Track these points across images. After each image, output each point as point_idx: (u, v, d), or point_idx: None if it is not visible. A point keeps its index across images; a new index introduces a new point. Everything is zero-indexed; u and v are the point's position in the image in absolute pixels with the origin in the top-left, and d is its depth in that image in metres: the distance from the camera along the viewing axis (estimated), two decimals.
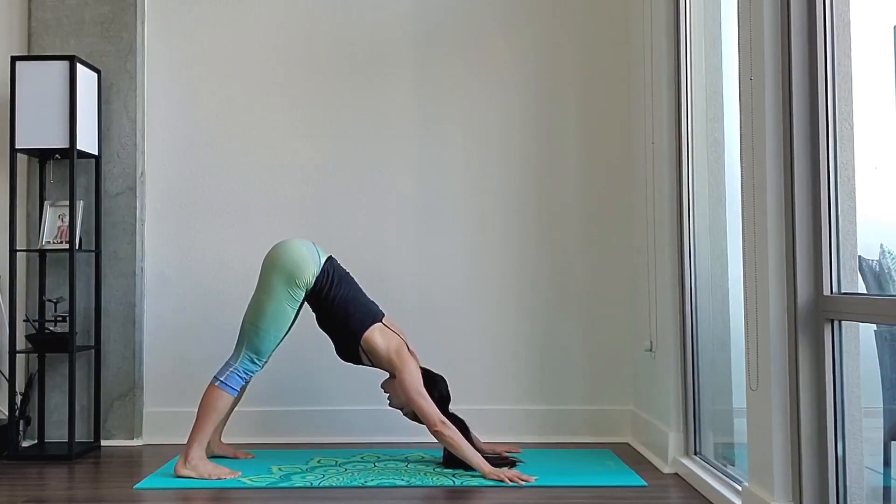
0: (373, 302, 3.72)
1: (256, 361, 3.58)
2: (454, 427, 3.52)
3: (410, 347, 3.67)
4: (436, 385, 3.66)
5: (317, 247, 3.66)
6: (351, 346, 3.65)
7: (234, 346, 3.63)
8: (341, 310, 3.61)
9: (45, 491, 3.47)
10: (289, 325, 3.61)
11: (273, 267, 3.58)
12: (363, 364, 3.71)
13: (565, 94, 4.41)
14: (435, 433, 3.50)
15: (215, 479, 3.45)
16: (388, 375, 3.70)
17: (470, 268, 4.36)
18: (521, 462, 3.62)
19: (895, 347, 2.50)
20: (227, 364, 3.59)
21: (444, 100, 4.39)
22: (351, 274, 3.72)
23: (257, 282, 3.63)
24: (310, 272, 3.56)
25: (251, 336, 3.57)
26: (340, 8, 4.42)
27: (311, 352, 4.13)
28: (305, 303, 3.66)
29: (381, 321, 3.65)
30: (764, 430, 2.65)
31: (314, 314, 3.70)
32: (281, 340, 3.64)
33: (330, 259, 3.66)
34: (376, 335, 3.61)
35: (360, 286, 3.72)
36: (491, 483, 3.40)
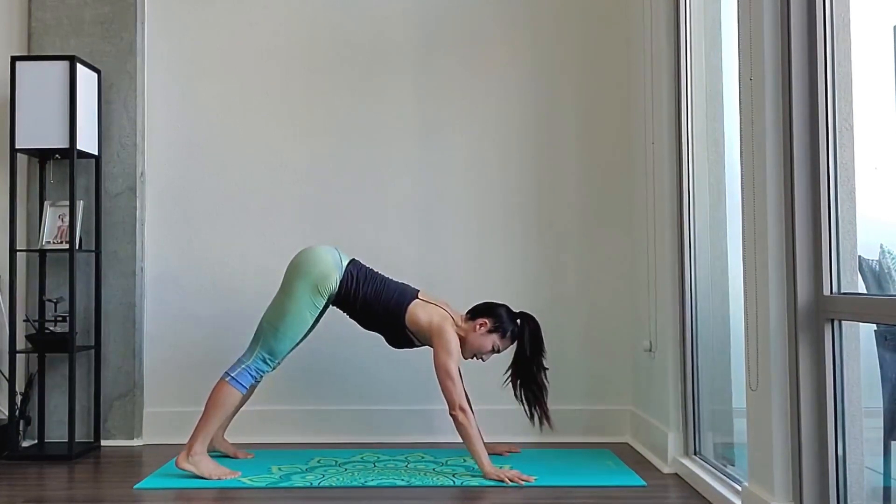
0: (404, 284, 3.72)
1: (269, 362, 3.59)
2: (472, 418, 3.51)
3: (452, 314, 3.66)
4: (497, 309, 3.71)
5: (340, 253, 3.67)
6: (399, 332, 3.67)
7: (249, 345, 3.63)
8: (375, 302, 3.62)
9: (45, 491, 3.47)
10: (306, 330, 3.62)
11: (298, 272, 3.59)
12: (417, 346, 3.72)
13: (565, 95, 4.41)
14: (452, 416, 3.49)
15: (215, 479, 3.45)
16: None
17: (470, 268, 4.36)
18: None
19: (895, 347, 2.51)
20: (240, 361, 3.59)
21: (445, 100, 4.39)
22: (375, 269, 3.73)
23: (281, 284, 3.64)
24: (333, 280, 3.58)
25: (268, 336, 3.58)
26: (340, 8, 4.42)
27: (311, 352, 4.13)
28: (333, 309, 3.68)
29: (417, 298, 3.66)
30: (764, 430, 2.65)
31: (353, 321, 3.72)
32: (296, 345, 3.65)
33: (353, 261, 3.68)
34: (418, 312, 3.61)
35: (389, 276, 3.73)
36: (491, 483, 3.40)
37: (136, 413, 4.26)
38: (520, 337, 3.68)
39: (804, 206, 2.54)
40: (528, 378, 3.68)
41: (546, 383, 3.71)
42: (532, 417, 3.71)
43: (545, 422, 3.70)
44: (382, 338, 3.76)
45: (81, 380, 4.17)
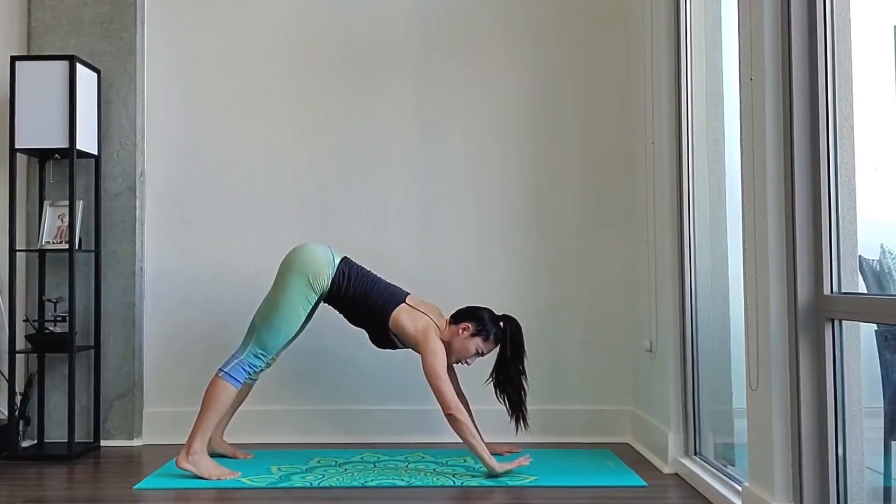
0: (394, 286, 3.73)
1: (261, 357, 3.60)
2: (468, 416, 3.53)
3: (438, 323, 3.67)
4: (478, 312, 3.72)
5: (332, 250, 3.68)
6: (382, 334, 3.69)
7: (242, 340, 3.66)
8: (363, 301, 3.64)
9: (44, 491, 3.46)
10: (298, 326, 3.63)
11: (290, 268, 3.62)
12: (399, 348, 3.74)
13: (565, 95, 4.40)
14: (448, 416, 3.50)
15: (215, 479, 3.45)
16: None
17: (470, 268, 4.36)
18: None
19: (895, 347, 2.50)
20: (233, 357, 3.61)
21: (445, 100, 4.39)
22: (366, 268, 3.74)
23: (273, 282, 3.66)
24: (325, 275, 3.60)
25: (260, 331, 3.60)
26: (340, 8, 4.42)
27: (310, 352, 4.13)
28: (322, 305, 3.70)
29: (404, 302, 3.67)
30: (764, 430, 2.65)
31: (341, 315, 3.74)
32: (289, 342, 3.67)
33: (345, 259, 3.69)
34: (402, 317, 3.63)
35: (380, 276, 3.74)
36: (491, 483, 3.40)
37: (136, 413, 4.26)
38: (502, 339, 3.69)
39: (804, 206, 2.54)
40: (507, 380, 3.70)
41: (524, 386, 3.72)
42: (511, 418, 3.72)
43: (521, 424, 3.73)
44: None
45: (81, 380, 4.17)
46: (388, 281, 3.75)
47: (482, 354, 3.71)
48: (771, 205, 2.62)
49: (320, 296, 3.64)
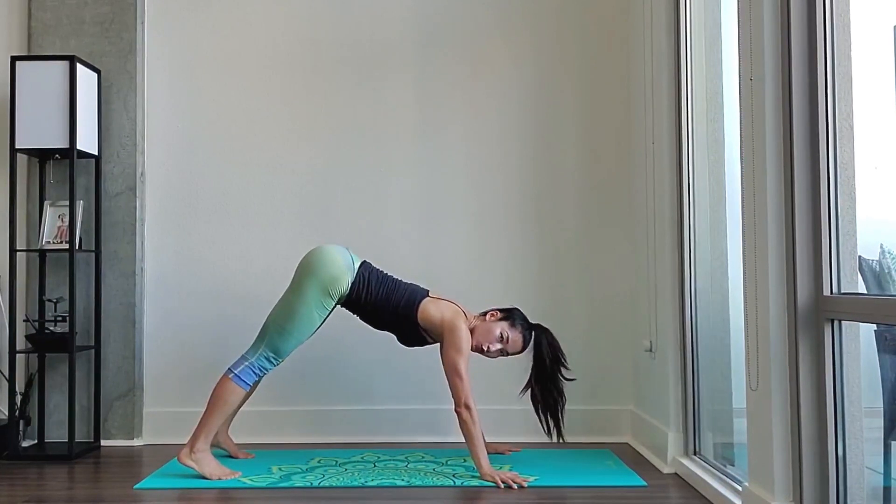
0: (414, 284, 3.71)
1: (273, 360, 3.58)
2: (477, 417, 3.48)
3: (464, 310, 3.66)
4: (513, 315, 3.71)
5: (351, 253, 3.65)
6: (411, 330, 3.65)
7: (254, 341, 3.61)
8: (386, 302, 3.60)
9: (44, 491, 3.46)
10: (312, 331, 3.60)
11: (309, 273, 3.56)
12: (430, 343, 3.70)
13: (565, 95, 4.41)
14: (457, 412, 3.48)
15: (216, 479, 3.45)
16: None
17: (470, 268, 4.36)
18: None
19: (895, 347, 2.51)
20: (244, 358, 3.57)
21: (445, 100, 4.40)
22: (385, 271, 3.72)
23: (290, 283, 3.61)
24: (345, 282, 3.56)
25: (274, 335, 3.56)
26: (340, 8, 4.42)
27: (311, 352, 4.12)
28: (347, 310, 3.68)
29: (428, 296, 3.65)
30: (764, 430, 2.65)
31: (363, 322, 3.71)
32: (301, 343, 3.64)
33: (364, 263, 3.66)
34: (429, 308, 3.60)
35: (398, 277, 3.72)
36: (491, 484, 3.40)
37: (136, 413, 4.26)
38: (538, 347, 3.67)
39: (804, 206, 2.54)
40: (546, 392, 3.67)
41: (564, 397, 3.68)
42: (547, 429, 3.69)
43: (555, 434, 3.69)
44: (394, 337, 3.75)
45: (81, 380, 4.17)
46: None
47: (506, 347, 3.66)
48: (771, 205, 2.62)
49: (338, 301, 3.61)
